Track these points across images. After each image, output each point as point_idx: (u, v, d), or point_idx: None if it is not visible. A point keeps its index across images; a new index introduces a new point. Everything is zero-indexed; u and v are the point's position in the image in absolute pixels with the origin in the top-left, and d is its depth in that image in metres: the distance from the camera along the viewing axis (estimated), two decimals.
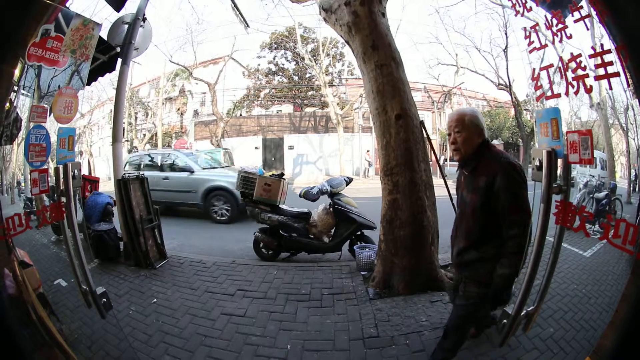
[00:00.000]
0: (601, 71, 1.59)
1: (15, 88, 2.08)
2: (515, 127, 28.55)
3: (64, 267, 2.51)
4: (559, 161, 1.75)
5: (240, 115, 32.96)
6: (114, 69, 5.83)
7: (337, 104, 26.95)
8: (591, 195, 1.93)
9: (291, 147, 28.70)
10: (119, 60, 5.82)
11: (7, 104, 1.97)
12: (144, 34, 6.21)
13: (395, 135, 4.53)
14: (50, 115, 2.25)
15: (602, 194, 1.91)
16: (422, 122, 4.71)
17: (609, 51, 1.55)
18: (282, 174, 6.67)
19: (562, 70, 1.75)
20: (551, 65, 1.84)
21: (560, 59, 1.75)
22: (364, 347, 3.36)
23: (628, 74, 1.55)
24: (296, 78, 33.35)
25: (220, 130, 28.22)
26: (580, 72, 1.67)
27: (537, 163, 1.81)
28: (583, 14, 1.63)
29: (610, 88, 1.64)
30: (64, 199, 2.15)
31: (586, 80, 1.65)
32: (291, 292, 4.65)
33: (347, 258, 6.09)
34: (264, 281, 5.05)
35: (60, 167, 2.17)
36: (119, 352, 2.96)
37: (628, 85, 1.60)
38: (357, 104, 27.85)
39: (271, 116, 32.75)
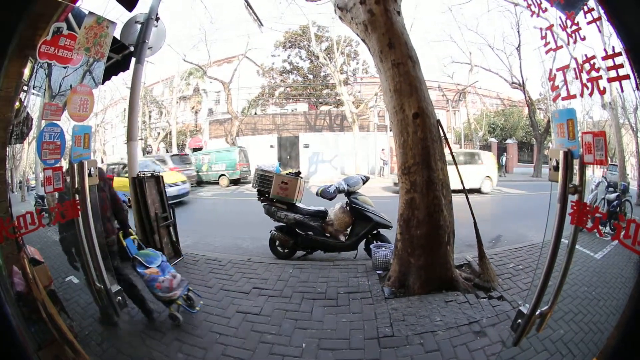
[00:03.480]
0: (613, 73, 1.59)
1: (25, 87, 2.09)
2: (529, 127, 28.31)
3: (75, 262, 2.54)
4: (575, 161, 1.75)
5: (255, 113, 33.12)
6: (127, 68, 5.88)
7: (352, 102, 26.91)
8: (603, 197, 1.91)
9: (306, 146, 28.75)
10: (133, 60, 5.88)
11: (17, 103, 1.99)
12: (158, 34, 6.29)
13: (413, 134, 4.51)
14: (64, 112, 2.28)
15: (613, 195, 1.89)
16: (439, 121, 4.68)
17: (619, 54, 1.56)
18: (299, 173, 6.68)
19: (577, 72, 1.75)
20: (567, 66, 1.83)
21: (575, 60, 1.75)
22: (378, 347, 3.36)
23: (636, 77, 1.54)
24: (311, 76, 33.37)
25: (235, 128, 28.42)
26: (594, 73, 1.67)
27: (554, 163, 1.80)
28: (595, 16, 1.64)
29: (622, 90, 1.64)
30: (78, 197, 2.16)
31: (599, 82, 1.65)
32: (307, 291, 4.66)
33: (363, 257, 6.08)
34: (279, 279, 5.07)
35: (76, 164, 2.18)
36: (132, 349, 3.00)
37: (637, 88, 1.59)
38: (372, 103, 27.76)
39: (286, 114, 32.83)
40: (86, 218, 2.14)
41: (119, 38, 5.60)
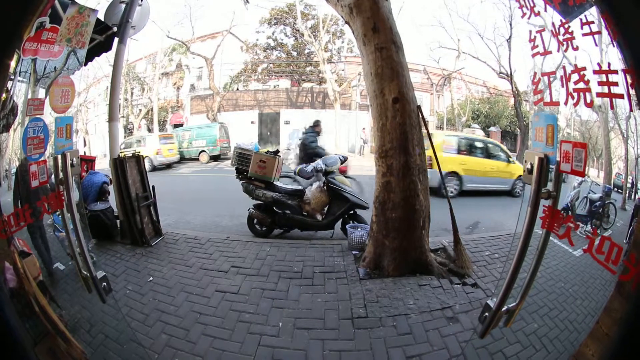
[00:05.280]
0: (604, 89, 1.57)
1: (11, 79, 2.04)
2: (514, 117, 28.55)
3: (62, 251, 2.53)
4: (551, 167, 1.76)
5: (237, 89, 32.66)
6: (110, 49, 5.72)
7: (336, 80, 26.78)
8: (585, 195, 1.95)
9: (287, 122, 28.57)
10: (116, 40, 5.73)
11: (4, 95, 1.94)
12: (142, 12, 6.12)
13: (392, 119, 4.55)
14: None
15: (596, 196, 1.93)
16: (419, 107, 4.72)
17: (615, 71, 1.53)
18: (278, 151, 6.70)
19: (564, 80, 1.74)
20: (553, 73, 1.83)
21: (563, 68, 1.74)
22: (352, 327, 3.44)
23: (632, 98, 1.53)
24: (295, 54, 32.97)
25: (217, 104, 28.07)
26: (582, 85, 1.65)
27: (529, 166, 1.83)
28: (593, 30, 1.60)
29: (612, 108, 1.65)
30: (62, 187, 2.14)
31: (587, 94, 1.64)
32: (283, 270, 4.72)
33: (339, 237, 6.17)
34: (257, 258, 5.12)
35: (59, 156, 2.16)
36: (118, 333, 3.01)
37: (631, 109, 1.59)
38: (355, 82, 27.65)
39: (268, 91, 32.46)
40: (70, 208, 2.13)
41: (102, 19, 5.41)
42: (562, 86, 1.74)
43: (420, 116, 4.75)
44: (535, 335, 2.63)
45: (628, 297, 1.48)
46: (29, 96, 2.15)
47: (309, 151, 8.27)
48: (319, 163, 6.39)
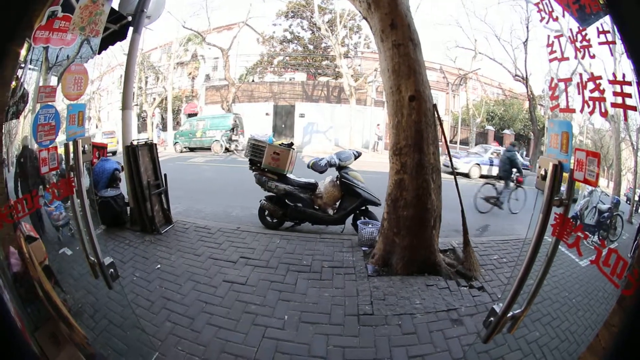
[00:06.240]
0: (619, 100, 1.52)
1: (21, 68, 2.04)
2: (528, 120, 28.25)
3: (69, 236, 2.55)
4: (565, 175, 1.73)
5: (253, 81, 32.67)
6: (125, 38, 5.76)
7: (352, 75, 26.62)
8: (594, 205, 1.91)
9: (302, 115, 28.49)
10: (130, 29, 5.77)
11: (14, 82, 1.95)
12: (157, 2, 6.17)
13: (407, 116, 4.52)
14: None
15: (605, 206, 1.88)
16: (435, 106, 4.69)
17: (629, 83, 1.49)
18: (292, 144, 6.70)
19: (580, 87, 1.69)
20: (569, 80, 1.78)
21: (580, 75, 1.69)
22: (358, 324, 3.45)
23: None
24: (311, 47, 32.86)
25: (232, 95, 28.09)
26: (597, 94, 1.61)
27: (542, 172, 1.80)
28: (609, 39, 1.55)
29: (626, 120, 1.61)
30: (72, 174, 2.16)
31: (602, 103, 1.60)
32: (292, 263, 4.75)
33: (350, 232, 6.18)
34: (266, 249, 5.15)
35: (70, 142, 2.17)
36: (122, 319, 3.01)
37: None
38: (371, 77, 27.46)
39: (284, 83, 32.40)
40: (81, 195, 2.15)
41: (117, 9, 5.42)
42: (579, 94, 1.70)
43: (436, 115, 4.71)
44: (536, 343, 2.60)
45: (627, 312, 1.46)
46: (40, 83, 2.16)
47: (515, 165, 9.77)
48: (332, 157, 6.39)
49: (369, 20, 4.92)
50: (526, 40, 23.81)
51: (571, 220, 1.73)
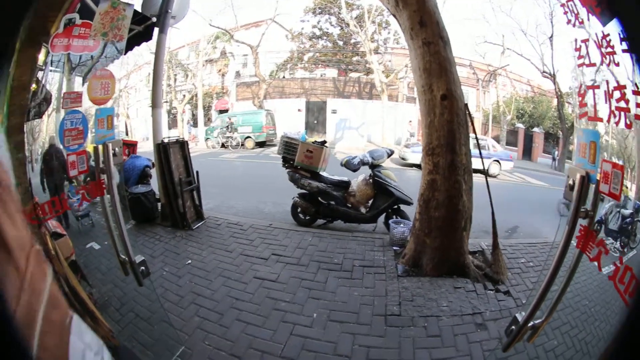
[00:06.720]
0: None
1: (41, 73, 2.07)
2: (557, 118, 27.42)
3: (97, 231, 2.61)
4: (591, 186, 1.70)
5: (283, 77, 32.81)
6: (150, 38, 5.79)
7: (382, 71, 26.46)
8: (618, 209, 1.87)
9: (334, 111, 28.47)
10: (156, 30, 5.82)
11: (34, 85, 1.98)
12: (181, 2, 6.23)
13: (440, 116, 4.49)
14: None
15: (628, 212, 1.84)
16: (466, 105, 4.63)
17: None
18: (325, 142, 6.76)
19: (607, 96, 1.64)
20: (597, 87, 1.74)
21: (607, 82, 1.65)
22: (385, 324, 3.47)
23: None
24: (341, 43, 32.77)
25: (263, 91, 28.30)
26: (622, 104, 1.56)
27: (571, 182, 1.78)
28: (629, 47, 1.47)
29: None
30: (102, 176, 2.21)
31: (627, 114, 1.55)
32: (323, 261, 4.78)
33: (382, 231, 6.18)
34: (298, 247, 5.21)
35: (100, 146, 2.20)
36: (150, 313, 3.10)
37: None
38: (402, 73, 27.24)
39: (315, 79, 32.42)
40: (112, 196, 2.22)
41: (140, 10, 5.41)
42: (605, 102, 1.66)
43: (467, 114, 4.66)
44: (553, 353, 2.57)
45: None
46: (65, 89, 2.21)
47: None
48: (365, 155, 6.41)
49: (397, 18, 4.89)
50: (551, 36, 23.16)
51: (595, 232, 1.71)
